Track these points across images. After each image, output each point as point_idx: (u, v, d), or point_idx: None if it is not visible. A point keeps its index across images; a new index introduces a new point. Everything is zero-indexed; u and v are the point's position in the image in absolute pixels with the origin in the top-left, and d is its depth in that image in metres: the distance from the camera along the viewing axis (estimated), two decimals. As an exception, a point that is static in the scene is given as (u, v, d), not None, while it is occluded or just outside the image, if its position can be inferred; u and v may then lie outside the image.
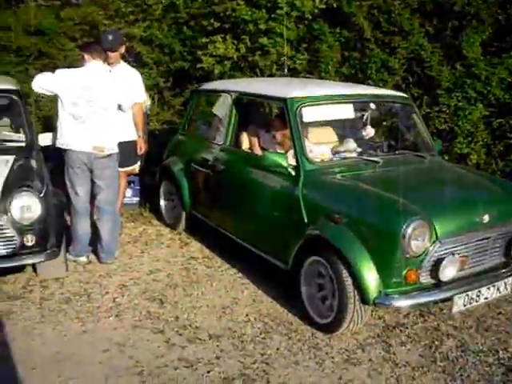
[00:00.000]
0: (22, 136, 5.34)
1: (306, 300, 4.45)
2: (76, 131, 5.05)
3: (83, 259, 5.41)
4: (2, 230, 4.37)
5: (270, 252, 4.84)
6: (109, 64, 5.55)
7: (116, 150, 5.25)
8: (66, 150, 5.12)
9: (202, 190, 5.70)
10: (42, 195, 4.52)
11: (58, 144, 5.14)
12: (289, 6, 7.57)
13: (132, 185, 6.71)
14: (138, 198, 6.82)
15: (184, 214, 6.06)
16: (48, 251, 4.59)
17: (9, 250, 4.41)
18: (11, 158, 4.94)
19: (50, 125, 8.75)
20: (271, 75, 7.66)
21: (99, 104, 5.03)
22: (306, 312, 4.45)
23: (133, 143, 5.79)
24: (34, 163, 5.06)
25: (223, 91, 5.69)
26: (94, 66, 5.09)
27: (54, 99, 8.05)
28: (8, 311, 4.57)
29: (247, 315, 4.57)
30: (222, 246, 5.69)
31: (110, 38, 5.68)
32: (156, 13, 8.56)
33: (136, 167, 6.04)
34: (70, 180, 5.19)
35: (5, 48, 9.40)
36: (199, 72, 8.00)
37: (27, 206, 4.44)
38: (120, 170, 5.55)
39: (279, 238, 4.69)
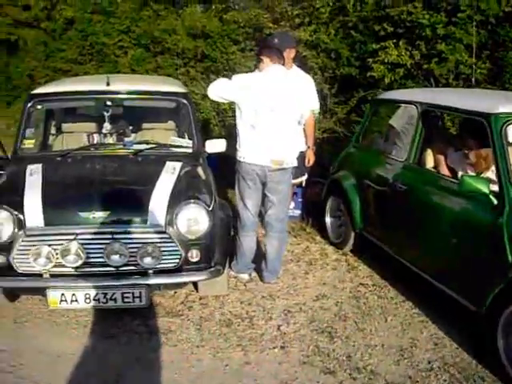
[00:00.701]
0: (189, 142, 4.93)
1: (503, 354, 3.63)
2: (254, 142, 4.55)
3: (245, 276, 4.93)
4: (167, 243, 3.95)
5: (458, 290, 4.06)
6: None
7: (295, 163, 4.71)
8: (239, 161, 4.65)
9: (377, 210, 5.02)
10: (210, 208, 4.06)
11: (238, 157, 4.67)
12: (471, 8, 6.72)
13: (295, 196, 6.15)
14: (299, 211, 6.24)
15: (353, 234, 5.40)
16: (212, 269, 4.12)
17: (172, 265, 3.98)
18: (178, 165, 4.54)
19: (208, 129, 8.52)
20: (447, 85, 6.83)
21: (281, 112, 4.50)
22: (502, 367, 3.65)
23: (301, 154, 5.24)
24: (201, 172, 4.64)
25: (408, 102, 4.97)
26: (274, 70, 4.56)
27: (214, 102, 7.86)
28: (167, 329, 4.17)
29: (429, 362, 3.84)
30: (395, 273, 4.96)
31: (276, 40, 5.17)
32: (323, 16, 8.02)
33: (303, 179, 5.50)
34: (240, 191, 4.73)
35: (168, 50, 9.30)
36: (367, 80, 7.35)
37: (194, 220, 3.99)
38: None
39: (471, 276, 3.91)
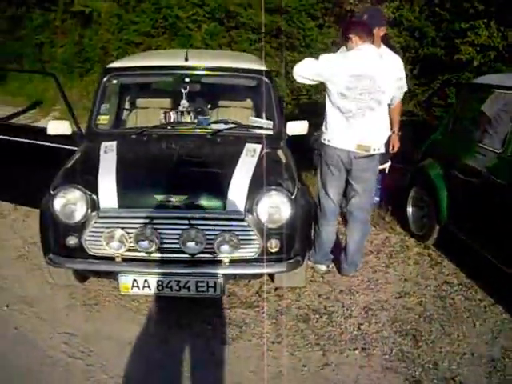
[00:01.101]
0: (269, 123, 4.56)
1: None
2: (342, 127, 4.16)
3: (322, 267, 4.60)
4: (246, 231, 3.64)
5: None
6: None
7: (382, 149, 4.31)
8: (323, 145, 4.28)
9: (467, 203, 4.54)
10: (293, 196, 3.72)
11: (322, 139, 4.30)
12: None
13: (374, 182, 5.71)
14: (378, 198, 5.75)
15: (437, 227, 4.95)
16: (291, 260, 3.79)
17: (249, 255, 3.68)
18: (258, 147, 4.21)
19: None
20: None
21: (373, 96, 4.08)
22: None
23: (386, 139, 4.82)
24: (282, 156, 4.29)
25: (507, 88, 4.46)
26: (365, 50, 4.14)
27: (288, 80, 7.46)
28: (241, 321, 3.91)
29: (525, 377, 3.44)
30: (483, 272, 4.51)
31: (365, 17, 4.70)
32: (409, -9, 7.44)
33: (386, 166, 5.07)
34: (322, 178, 4.37)
35: (243, 25, 8.92)
36: (453, 62, 6.77)
37: (276, 208, 3.66)
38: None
39: None
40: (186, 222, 3.60)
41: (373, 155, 4.21)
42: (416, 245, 5.20)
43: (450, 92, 6.79)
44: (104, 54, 10.88)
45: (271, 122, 4.56)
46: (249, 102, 5.18)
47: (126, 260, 3.66)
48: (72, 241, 3.67)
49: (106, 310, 4.03)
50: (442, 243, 5.07)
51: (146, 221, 3.59)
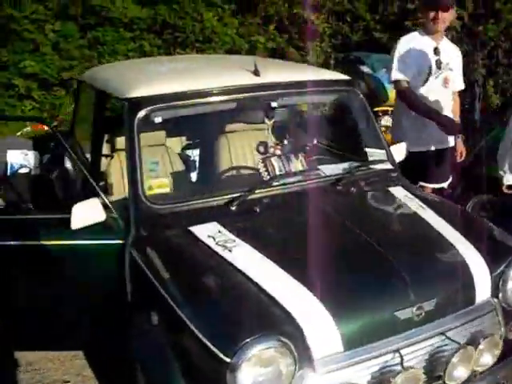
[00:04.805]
0: (381, 152, 3.01)
1: None
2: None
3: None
4: (494, 323, 2.23)
5: None
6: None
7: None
8: None
9: None
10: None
11: None
12: None
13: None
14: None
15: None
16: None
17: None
18: (403, 191, 2.72)
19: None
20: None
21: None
22: None
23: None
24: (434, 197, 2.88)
25: None
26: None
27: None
28: None
29: None
30: None
31: None
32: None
33: (445, 185, 3.66)
34: None
35: (109, 21, 6.71)
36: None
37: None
38: (426, 185, 3.52)
39: None
40: (442, 337, 2.07)
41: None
42: None
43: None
44: None
45: (383, 151, 3.02)
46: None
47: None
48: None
49: None
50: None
51: (391, 358, 1.96)
